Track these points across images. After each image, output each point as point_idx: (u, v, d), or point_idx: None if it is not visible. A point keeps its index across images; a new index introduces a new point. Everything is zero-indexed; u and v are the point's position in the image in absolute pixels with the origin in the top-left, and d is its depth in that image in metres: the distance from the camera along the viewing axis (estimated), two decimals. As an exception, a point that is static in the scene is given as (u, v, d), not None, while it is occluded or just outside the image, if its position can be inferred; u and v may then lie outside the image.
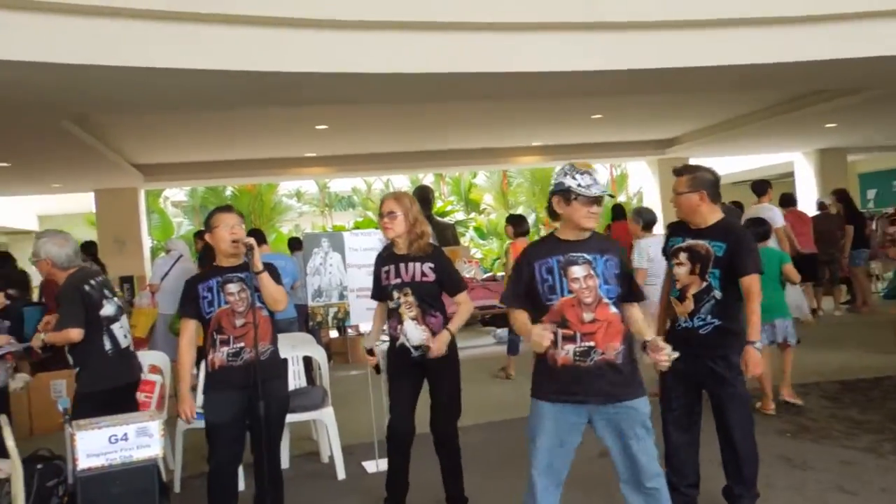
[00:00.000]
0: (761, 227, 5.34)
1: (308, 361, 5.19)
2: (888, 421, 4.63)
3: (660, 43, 5.01)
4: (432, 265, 3.51)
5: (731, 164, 16.46)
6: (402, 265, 3.52)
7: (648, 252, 5.44)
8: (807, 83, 7.51)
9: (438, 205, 19.64)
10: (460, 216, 21.43)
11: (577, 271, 2.67)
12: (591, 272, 2.67)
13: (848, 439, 4.49)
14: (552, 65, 5.02)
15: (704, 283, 3.28)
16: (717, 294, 3.26)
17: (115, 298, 3.70)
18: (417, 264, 3.50)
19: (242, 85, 5.16)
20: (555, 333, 2.64)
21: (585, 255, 2.69)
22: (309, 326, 5.43)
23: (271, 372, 3.30)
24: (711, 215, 3.35)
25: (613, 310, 2.68)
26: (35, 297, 8.03)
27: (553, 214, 2.79)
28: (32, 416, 5.87)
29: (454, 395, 3.57)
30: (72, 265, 3.60)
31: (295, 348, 4.71)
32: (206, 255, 5.80)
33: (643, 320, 2.85)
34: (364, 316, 4.54)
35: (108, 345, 3.57)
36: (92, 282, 3.59)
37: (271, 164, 12.02)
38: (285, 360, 3.54)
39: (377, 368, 3.83)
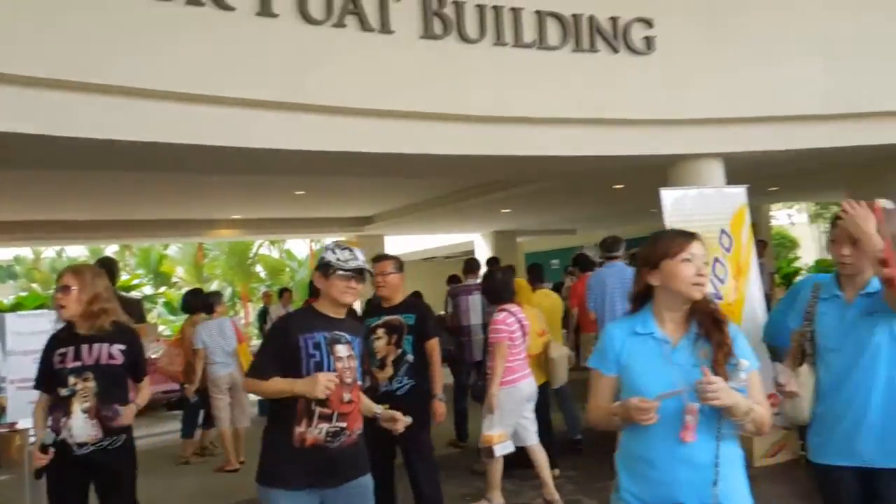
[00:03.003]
0: None
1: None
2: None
3: (361, 128, 5.26)
4: (123, 347, 3.16)
5: (422, 241, 17.83)
6: (84, 346, 3.10)
7: (202, 336, 6.34)
8: (484, 174, 8.48)
9: (124, 278, 17.97)
10: (148, 290, 19.81)
11: (342, 350, 2.72)
12: (353, 353, 2.75)
13: (516, 497, 4.96)
14: (258, 141, 4.96)
15: (400, 350, 3.87)
16: (410, 358, 3.91)
17: None
18: (105, 345, 3.12)
19: None
20: (312, 412, 2.62)
21: (347, 336, 2.76)
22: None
23: None
24: (401, 293, 4.05)
25: (360, 392, 2.83)
26: None
27: (314, 290, 2.87)
28: None
29: (128, 498, 3.19)
30: None
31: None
32: None
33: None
34: (25, 411, 3.86)
35: None
36: None
37: None
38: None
39: (38, 473, 3.24)
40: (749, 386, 2.06)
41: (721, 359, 2.02)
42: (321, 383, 2.52)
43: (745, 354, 2.08)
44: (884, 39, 6.40)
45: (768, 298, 7.21)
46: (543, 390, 5.24)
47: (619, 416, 2.04)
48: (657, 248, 2.13)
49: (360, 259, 2.71)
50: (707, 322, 2.08)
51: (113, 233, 12.00)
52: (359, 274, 2.70)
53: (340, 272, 2.68)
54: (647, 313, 2.17)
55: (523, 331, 4.73)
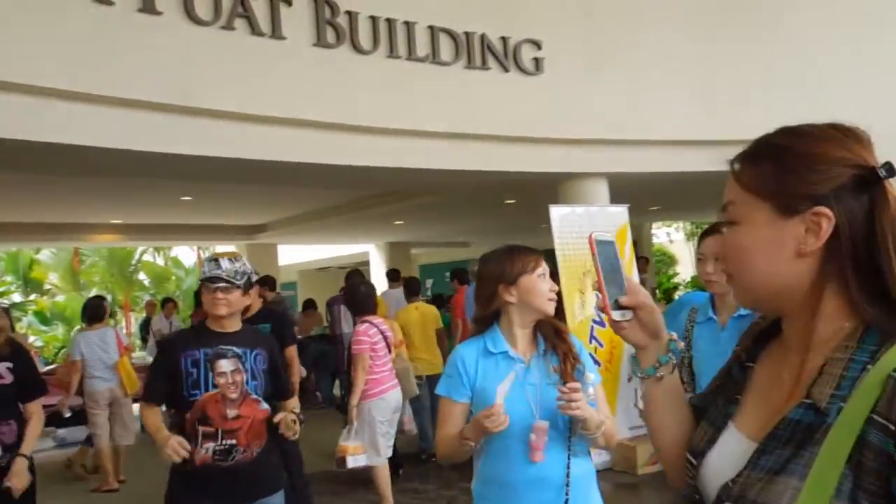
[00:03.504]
0: None
1: None
2: (444, 488, 5.31)
3: (248, 134, 5.13)
4: (10, 364, 3.03)
5: (317, 251, 17.57)
6: None
7: (80, 347, 5.95)
8: (375, 185, 8.47)
9: (-12, 284, 16.68)
10: (17, 298, 18.46)
11: (226, 365, 2.59)
12: (240, 366, 2.61)
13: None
14: (137, 144, 4.72)
15: None
16: None
17: None
18: None
19: None
20: (196, 431, 2.51)
21: (235, 349, 2.62)
22: None
23: None
24: (257, 304, 4.13)
25: (263, 406, 2.66)
26: None
27: (200, 301, 2.93)
28: None
29: None
30: None
31: None
32: None
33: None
34: None
35: None
36: None
37: None
38: None
39: None
40: (596, 399, 2.06)
41: (569, 370, 2.02)
42: (169, 447, 2.40)
43: (590, 368, 2.11)
44: (754, 73, 6.89)
45: (647, 312, 7.58)
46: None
47: (472, 435, 1.96)
48: (514, 264, 2.08)
49: (224, 268, 2.62)
50: (550, 334, 2.10)
51: (-24, 236, 11.12)
52: (227, 283, 2.61)
53: (206, 284, 2.63)
54: (495, 332, 2.12)
55: (387, 342, 4.74)
